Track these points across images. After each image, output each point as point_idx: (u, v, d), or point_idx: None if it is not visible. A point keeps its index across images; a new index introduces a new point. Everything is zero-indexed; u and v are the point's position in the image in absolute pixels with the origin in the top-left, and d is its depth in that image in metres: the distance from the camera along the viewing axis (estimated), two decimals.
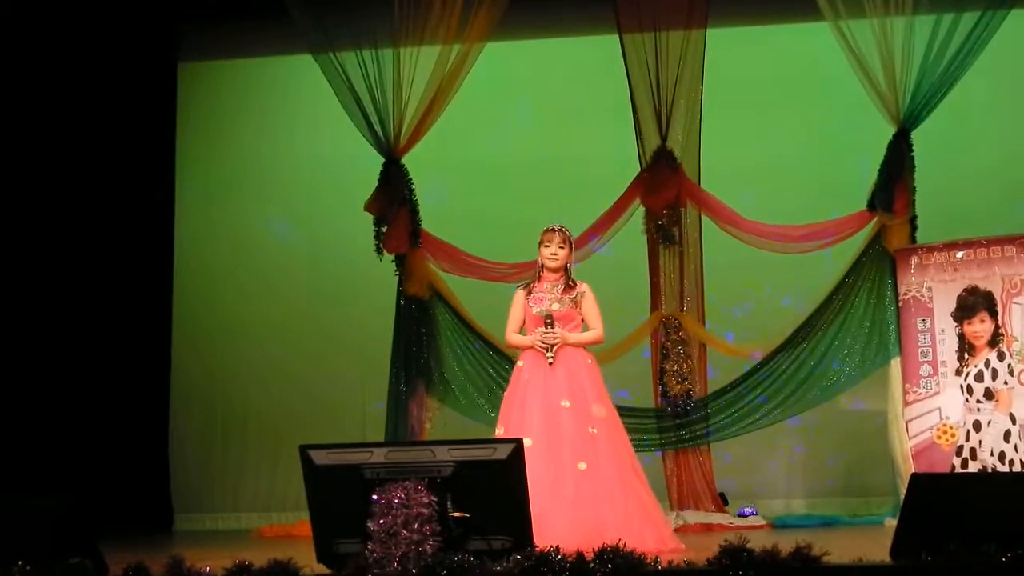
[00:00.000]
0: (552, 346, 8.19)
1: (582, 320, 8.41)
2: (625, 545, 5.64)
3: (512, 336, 8.50)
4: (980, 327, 10.06)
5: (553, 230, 8.41)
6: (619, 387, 11.32)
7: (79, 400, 12.19)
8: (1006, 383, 9.89)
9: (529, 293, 8.44)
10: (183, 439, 12.88)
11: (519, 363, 8.41)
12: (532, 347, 8.27)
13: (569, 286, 8.42)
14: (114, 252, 12.62)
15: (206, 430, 12.95)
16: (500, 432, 8.11)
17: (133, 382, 12.56)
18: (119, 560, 6.24)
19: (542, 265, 8.44)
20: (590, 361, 8.36)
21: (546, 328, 8.20)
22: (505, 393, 8.47)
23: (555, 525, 7.10)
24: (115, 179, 12.65)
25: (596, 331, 8.40)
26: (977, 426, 9.97)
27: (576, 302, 8.37)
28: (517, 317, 8.47)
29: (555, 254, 8.36)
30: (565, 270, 8.44)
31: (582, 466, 7.87)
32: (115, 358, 12.48)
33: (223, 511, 12.78)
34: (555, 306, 8.31)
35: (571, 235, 8.52)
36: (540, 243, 8.43)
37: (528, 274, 8.74)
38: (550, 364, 8.16)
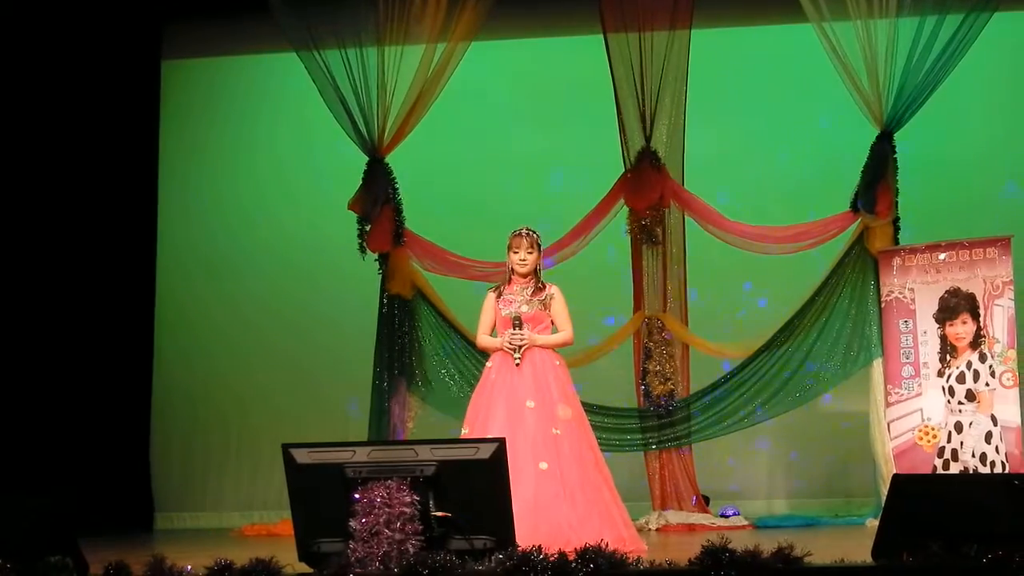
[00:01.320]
0: (519, 347, 8.20)
1: (552, 322, 8.41)
2: (607, 546, 5.63)
3: (482, 338, 8.54)
4: (962, 328, 10.09)
5: (520, 235, 8.41)
6: (601, 387, 11.35)
7: (60, 398, 12.14)
8: (987, 384, 9.92)
9: (499, 295, 8.46)
10: (165, 437, 12.87)
11: (488, 364, 8.46)
12: (501, 348, 8.29)
13: (539, 288, 8.43)
14: (97, 250, 12.59)
15: (188, 428, 12.92)
16: (465, 432, 8.15)
17: (115, 380, 12.52)
18: (100, 559, 6.22)
19: (512, 269, 8.44)
20: (558, 362, 8.37)
21: (514, 330, 8.22)
22: (473, 393, 8.50)
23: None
24: (98, 177, 12.62)
25: (565, 333, 8.41)
26: (959, 427, 9.99)
27: (545, 304, 8.39)
28: (488, 319, 8.50)
29: (524, 260, 8.38)
30: (535, 273, 8.45)
31: (543, 466, 7.86)
32: (97, 356, 12.44)
33: (204, 510, 12.77)
34: (524, 308, 8.34)
35: (539, 237, 8.50)
36: (508, 248, 8.44)
37: (501, 277, 8.73)
38: (517, 365, 8.18)
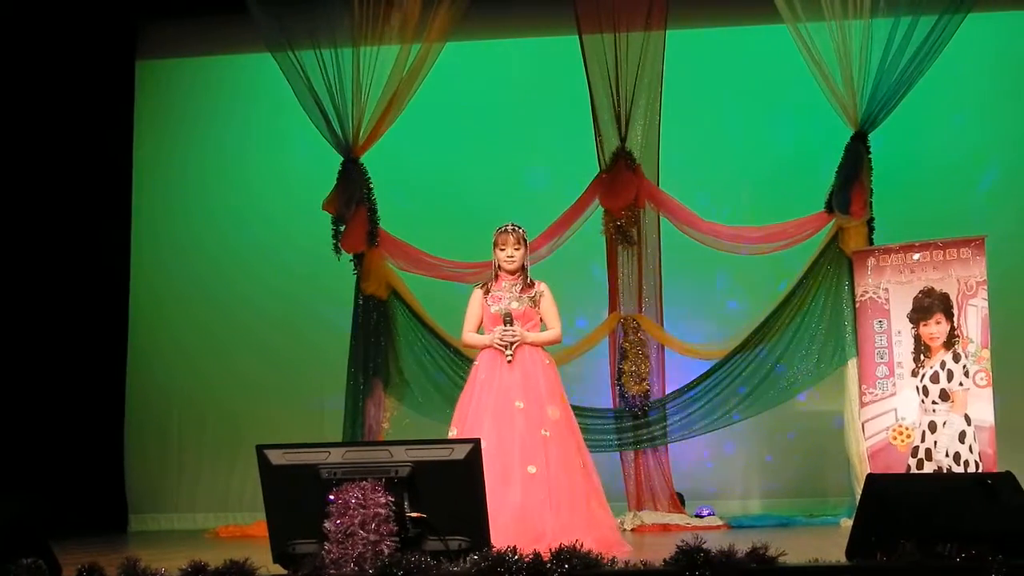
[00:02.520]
0: (511, 344, 8.16)
1: (540, 319, 8.38)
2: (581, 546, 5.62)
3: (469, 335, 8.46)
4: (936, 328, 10.12)
5: (506, 231, 8.34)
6: (576, 387, 11.35)
7: (33, 398, 12.09)
8: (961, 384, 9.95)
9: (487, 292, 8.39)
10: (139, 439, 12.82)
11: (476, 362, 8.37)
12: (490, 346, 8.24)
13: (527, 285, 8.37)
14: (71, 251, 12.54)
15: (162, 429, 12.87)
16: (453, 433, 8.05)
17: (88, 381, 12.47)
18: (73, 560, 6.20)
19: (498, 266, 8.40)
20: (548, 361, 8.31)
21: (505, 326, 8.17)
22: (461, 393, 8.42)
23: (499, 531, 7.08)
24: (72, 177, 12.58)
25: (554, 331, 8.36)
26: (932, 427, 10.02)
27: (535, 301, 8.32)
28: (475, 316, 8.42)
29: (511, 256, 8.32)
30: (522, 269, 8.41)
31: (532, 469, 7.82)
32: (71, 357, 12.39)
33: (179, 511, 12.73)
34: (514, 305, 8.26)
35: (525, 233, 8.45)
36: (495, 245, 8.37)
37: (486, 274, 8.69)
38: (509, 362, 8.13)
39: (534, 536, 7.37)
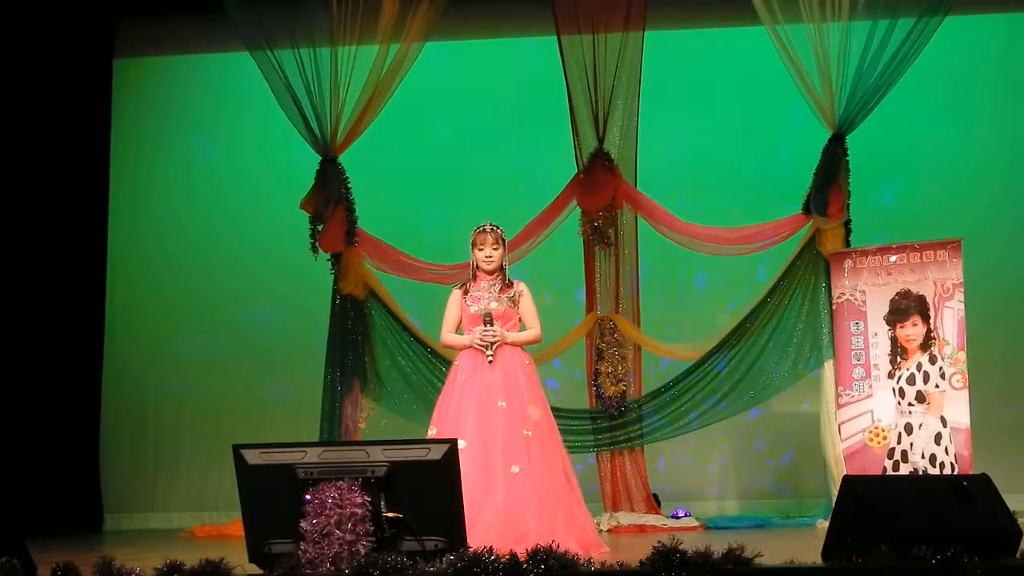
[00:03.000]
0: (492, 344, 8.15)
1: (519, 319, 8.37)
2: (558, 546, 5.62)
3: (448, 336, 8.44)
4: (912, 331, 10.14)
5: (484, 231, 8.33)
6: (553, 388, 11.37)
7: (7, 397, 12.07)
8: (937, 386, 9.98)
9: (466, 293, 8.38)
10: (114, 437, 12.79)
11: (456, 363, 8.35)
12: (469, 346, 8.23)
13: (507, 285, 8.36)
14: (46, 250, 12.51)
15: (138, 428, 12.85)
16: (433, 433, 8.02)
17: (64, 379, 12.44)
18: (48, 560, 6.17)
19: (477, 266, 8.38)
20: (528, 361, 8.31)
21: (486, 326, 8.16)
22: (441, 393, 8.40)
23: (482, 531, 7.08)
24: (48, 175, 12.55)
25: (534, 330, 8.36)
26: (909, 429, 10.05)
27: (514, 301, 8.32)
28: (453, 317, 8.40)
29: (490, 256, 8.30)
30: (501, 269, 8.40)
31: (515, 469, 7.83)
32: (47, 355, 12.37)
33: (154, 511, 12.72)
34: (494, 305, 8.25)
35: (503, 233, 8.45)
36: (473, 245, 8.35)
37: (464, 275, 8.68)
38: (490, 362, 8.12)
39: (518, 536, 7.38)
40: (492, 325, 8.15)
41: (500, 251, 8.33)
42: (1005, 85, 12.42)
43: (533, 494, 7.79)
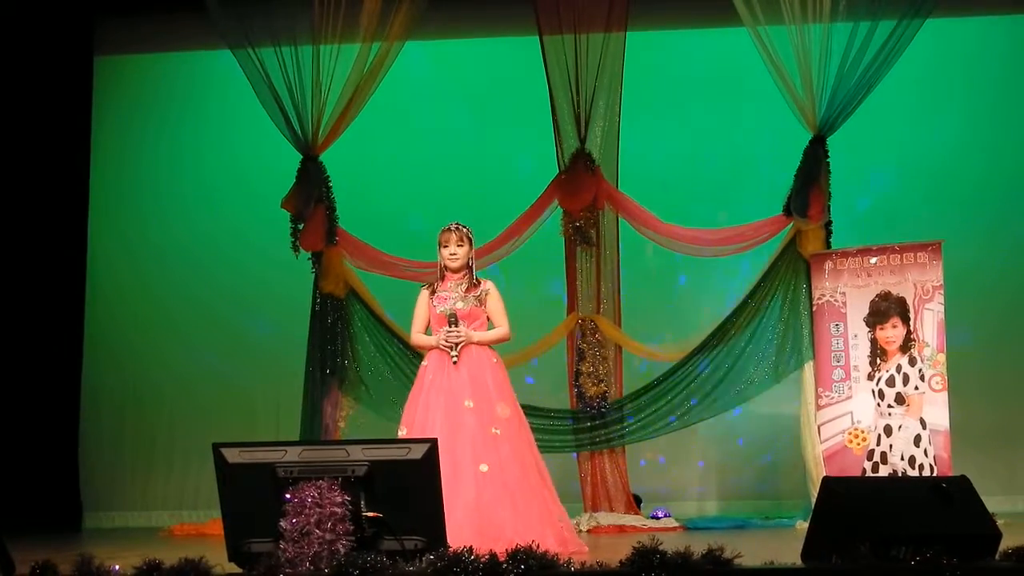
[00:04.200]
0: (456, 345, 8.15)
1: (487, 318, 8.37)
2: (538, 547, 5.62)
3: (417, 336, 8.45)
4: (892, 332, 10.16)
5: (449, 230, 8.34)
6: (534, 388, 11.38)
7: None
8: (917, 388, 10.00)
9: (433, 293, 8.39)
10: (93, 435, 12.75)
11: (424, 363, 8.36)
12: (437, 347, 8.24)
13: (473, 284, 8.36)
14: (26, 248, 12.47)
15: (117, 426, 12.83)
16: (403, 433, 8.03)
17: (43, 378, 12.40)
18: (26, 558, 6.15)
19: (444, 266, 8.39)
20: (495, 360, 8.31)
21: (450, 327, 8.17)
22: (410, 393, 8.40)
23: (454, 528, 7.08)
24: (27, 174, 12.51)
25: (502, 329, 8.35)
26: (888, 430, 10.07)
27: (481, 300, 8.31)
28: (422, 317, 8.41)
29: (454, 254, 8.30)
30: (467, 268, 8.40)
31: (484, 468, 7.83)
32: (26, 354, 12.33)
33: (133, 509, 12.69)
34: (459, 304, 8.24)
35: (470, 232, 8.43)
36: (439, 244, 8.37)
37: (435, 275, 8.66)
38: (455, 363, 8.12)
39: (494, 533, 7.38)
40: (456, 325, 8.15)
41: (465, 249, 8.33)
42: (986, 86, 12.46)
43: (505, 492, 7.79)
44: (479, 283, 8.38)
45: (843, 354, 10.35)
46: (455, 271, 8.35)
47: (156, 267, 12.98)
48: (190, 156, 13.08)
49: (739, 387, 10.99)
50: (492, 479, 7.81)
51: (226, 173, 12.93)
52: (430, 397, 8.09)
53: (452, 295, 8.30)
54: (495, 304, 8.36)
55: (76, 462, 12.60)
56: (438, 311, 8.28)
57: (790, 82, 10.73)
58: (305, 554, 5.76)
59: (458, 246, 8.30)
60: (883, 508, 5.92)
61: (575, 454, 11.22)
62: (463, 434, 7.91)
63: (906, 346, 10.11)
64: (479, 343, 8.24)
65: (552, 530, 7.72)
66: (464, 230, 8.36)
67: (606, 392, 11.13)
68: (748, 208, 11.44)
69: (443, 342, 8.16)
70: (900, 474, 9.84)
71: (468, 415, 7.99)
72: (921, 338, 10.06)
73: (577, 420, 11.17)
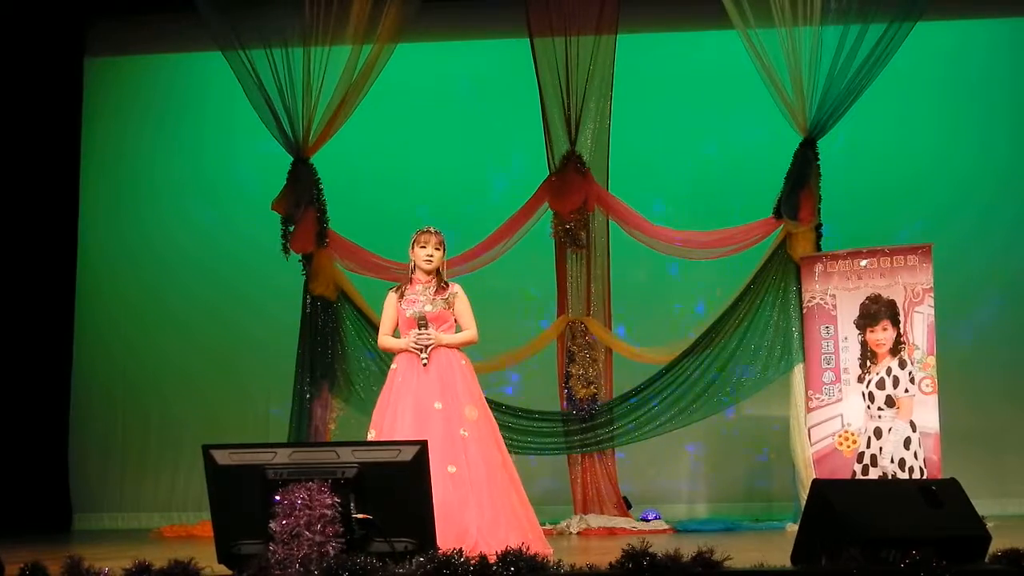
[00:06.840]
0: (426, 347, 8.15)
1: (455, 321, 8.37)
2: (528, 548, 5.62)
3: (385, 339, 8.41)
4: (882, 335, 10.18)
5: (428, 232, 8.30)
6: (524, 390, 11.38)
7: None
8: (907, 391, 10.02)
9: (401, 296, 8.38)
10: (83, 437, 12.75)
11: (393, 366, 8.34)
12: (405, 349, 8.23)
13: (442, 287, 8.35)
14: (15, 250, 12.47)
15: (107, 428, 12.82)
16: (372, 435, 8.03)
17: (33, 379, 12.39)
18: (16, 559, 6.15)
19: (415, 267, 8.38)
20: (464, 362, 8.29)
21: (420, 330, 8.17)
22: (379, 396, 8.40)
23: None
24: (17, 174, 12.50)
25: (470, 332, 8.34)
26: (878, 433, 10.08)
27: (449, 303, 8.30)
28: (390, 320, 8.38)
29: (431, 256, 8.28)
30: (437, 272, 8.39)
31: (451, 469, 7.81)
32: (15, 356, 12.32)
33: (123, 511, 12.69)
34: (428, 307, 8.23)
35: (444, 238, 8.42)
36: (414, 244, 8.30)
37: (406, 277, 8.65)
38: (424, 365, 8.12)
39: (459, 532, 7.41)
40: (426, 328, 8.15)
41: (440, 252, 8.31)
42: (966, 89, 12.50)
43: (472, 493, 7.79)
44: (448, 286, 8.37)
45: (833, 357, 10.36)
46: (427, 273, 8.33)
47: (147, 270, 12.98)
48: (180, 157, 13.09)
49: (729, 389, 10.99)
50: (460, 480, 7.81)
51: (216, 174, 12.94)
52: (400, 400, 8.09)
53: (421, 298, 8.28)
54: (463, 307, 8.35)
55: (66, 464, 12.60)
56: (407, 314, 8.25)
57: (780, 85, 10.74)
58: (295, 556, 5.75)
59: (435, 249, 8.28)
60: (873, 510, 5.92)
61: (565, 456, 11.21)
62: (431, 436, 7.86)
63: (896, 349, 10.12)
64: (448, 345, 8.23)
65: (517, 534, 7.69)
66: (441, 235, 8.36)
67: (596, 394, 11.13)
68: (738, 210, 11.45)
69: (413, 344, 8.15)
70: (890, 476, 9.85)
71: (436, 417, 7.97)
72: (911, 341, 10.07)
73: (567, 422, 11.16)
